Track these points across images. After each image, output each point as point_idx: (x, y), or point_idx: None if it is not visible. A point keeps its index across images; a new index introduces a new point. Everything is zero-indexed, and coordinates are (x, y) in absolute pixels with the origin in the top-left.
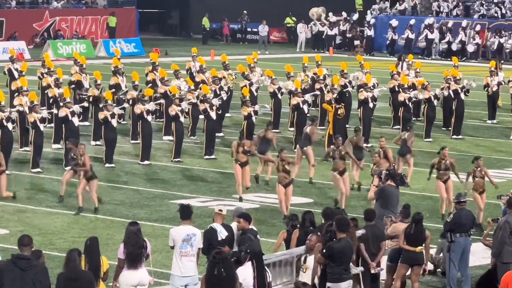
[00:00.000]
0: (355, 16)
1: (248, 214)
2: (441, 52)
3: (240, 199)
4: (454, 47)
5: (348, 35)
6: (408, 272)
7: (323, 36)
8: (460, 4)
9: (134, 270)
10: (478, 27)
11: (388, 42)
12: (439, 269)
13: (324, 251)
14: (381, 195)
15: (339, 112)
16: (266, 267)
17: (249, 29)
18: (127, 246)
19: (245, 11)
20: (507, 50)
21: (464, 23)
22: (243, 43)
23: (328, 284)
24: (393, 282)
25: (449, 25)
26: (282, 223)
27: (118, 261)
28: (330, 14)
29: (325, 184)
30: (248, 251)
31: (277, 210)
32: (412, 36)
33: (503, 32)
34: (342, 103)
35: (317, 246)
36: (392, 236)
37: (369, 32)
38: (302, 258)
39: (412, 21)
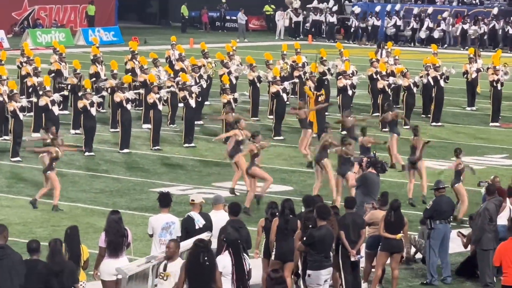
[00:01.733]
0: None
1: (235, 206)
2: (408, 38)
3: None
4: (423, 34)
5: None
6: (388, 261)
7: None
8: None
9: (115, 258)
10: (445, 14)
11: (352, 29)
12: (419, 253)
13: (304, 238)
14: (363, 182)
15: (319, 99)
16: (246, 256)
17: (228, 17)
18: (109, 235)
19: (223, 0)
20: (472, 37)
21: (430, 9)
22: (222, 31)
23: (308, 271)
24: (374, 270)
25: (428, 11)
26: (261, 210)
27: (99, 250)
28: (315, 2)
29: (305, 172)
30: (225, 239)
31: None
32: (378, 23)
33: (479, 19)
34: (321, 90)
35: (297, 234)
36: (369, 223)
37: (331, 19)
38: (162, 266)
39: (378, 8)
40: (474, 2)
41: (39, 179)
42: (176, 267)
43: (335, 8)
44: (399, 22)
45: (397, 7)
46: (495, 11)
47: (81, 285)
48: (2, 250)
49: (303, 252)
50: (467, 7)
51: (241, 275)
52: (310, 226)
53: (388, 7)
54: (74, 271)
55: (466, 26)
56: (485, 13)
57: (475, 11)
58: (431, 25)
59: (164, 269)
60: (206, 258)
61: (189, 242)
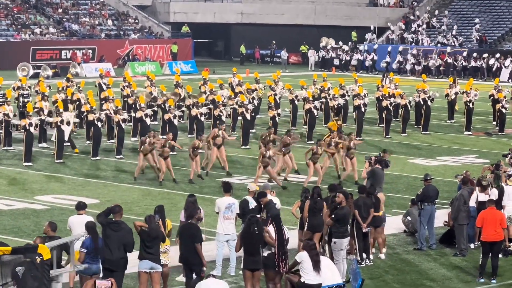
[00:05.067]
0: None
1: (263, 192)
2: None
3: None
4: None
5: (425, 64)
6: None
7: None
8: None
9: None
10: (414, 51)
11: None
12: (406, 230)
13: (333, 216)
14: (372, 175)
15: (338, 123)
16: (285, 227)
17: (270, 53)
18: (187, 212)
19: (274, 41)
20: (432, 68)
21: (414, 50)
22: (270, 64)
23: (334, 239)
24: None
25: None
26: (297, 195)
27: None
28: (340, 43)
29: (329, 168)
30: (269, 215)
31: (296, 185)
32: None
33: (457, 56)
34: (340, 115)
35: (325, 212)
36: None
37: (347, 56)
38: None
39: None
40: (453, 44)
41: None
42: None
43: (346, 47)
44: (401, 58)
45: (400, 48)
46: (448, 49)
47: (166, 248)
48: (118, 225)
49: (328, 225)
50: (450, 46)
51: (281, 241)
52: (338, 206)
53: (389, 48)
54: (164, 237)
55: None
56: (461, 51)
57: (454, 50)
58: (423, 61)
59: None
60: (255, 228)
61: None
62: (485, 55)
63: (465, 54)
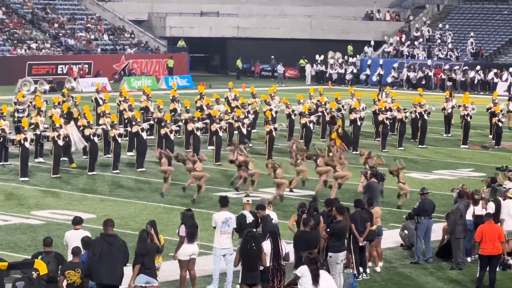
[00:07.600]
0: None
1: (261, 205)
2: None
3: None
4: (413, 79)
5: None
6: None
7: (327, 74)
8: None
9: (191, 244)
10: (395, 65)
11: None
12: (402, 243)
13: (328, 230)
14: (368, 189)
15: (339, 130)
16: (284, 242)
17: (269, 68)
18: (187, 227)
19: (272, 56)
20: (414, 81)
21: (409, 63)
22: (270, 79)
23: (330, 253)
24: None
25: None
26: (293, 209)
27: (180, 238)
28: (346, 57)
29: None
30: (266, 230)
31: (291, 199)
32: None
33: (454, 69)
34: (336, 124)
35: (322, 227)
36: None
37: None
38: None
39: (381, 61)
40: (448, 57)
41: (133, 186)
42: None
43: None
44: (381, 71)
45: (396, 64)
46: (429, 61)
47: (158, 265)
48: (114, 238)
49: (325, 239)
50: (444, 61)
51: (276, 256)
52: (334, 220)
53: (381, 61)
54: (157, 251)
55: (410, 74)
56: (458, 65)
57: (450, 63)
58: (419, 73)
59: None
60: (253, 244)
61: None
62: (466, 67)
63: (447, 67)
